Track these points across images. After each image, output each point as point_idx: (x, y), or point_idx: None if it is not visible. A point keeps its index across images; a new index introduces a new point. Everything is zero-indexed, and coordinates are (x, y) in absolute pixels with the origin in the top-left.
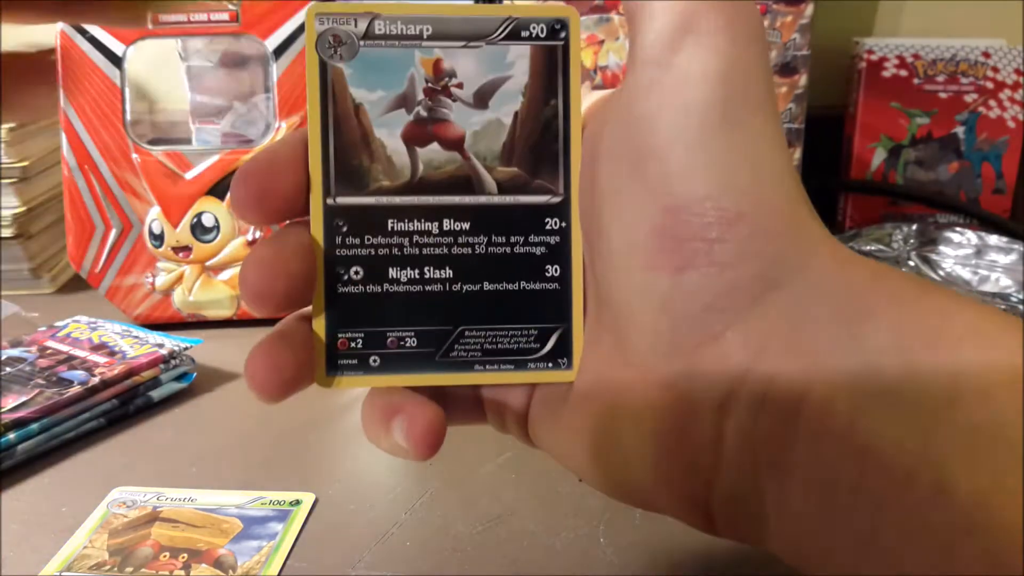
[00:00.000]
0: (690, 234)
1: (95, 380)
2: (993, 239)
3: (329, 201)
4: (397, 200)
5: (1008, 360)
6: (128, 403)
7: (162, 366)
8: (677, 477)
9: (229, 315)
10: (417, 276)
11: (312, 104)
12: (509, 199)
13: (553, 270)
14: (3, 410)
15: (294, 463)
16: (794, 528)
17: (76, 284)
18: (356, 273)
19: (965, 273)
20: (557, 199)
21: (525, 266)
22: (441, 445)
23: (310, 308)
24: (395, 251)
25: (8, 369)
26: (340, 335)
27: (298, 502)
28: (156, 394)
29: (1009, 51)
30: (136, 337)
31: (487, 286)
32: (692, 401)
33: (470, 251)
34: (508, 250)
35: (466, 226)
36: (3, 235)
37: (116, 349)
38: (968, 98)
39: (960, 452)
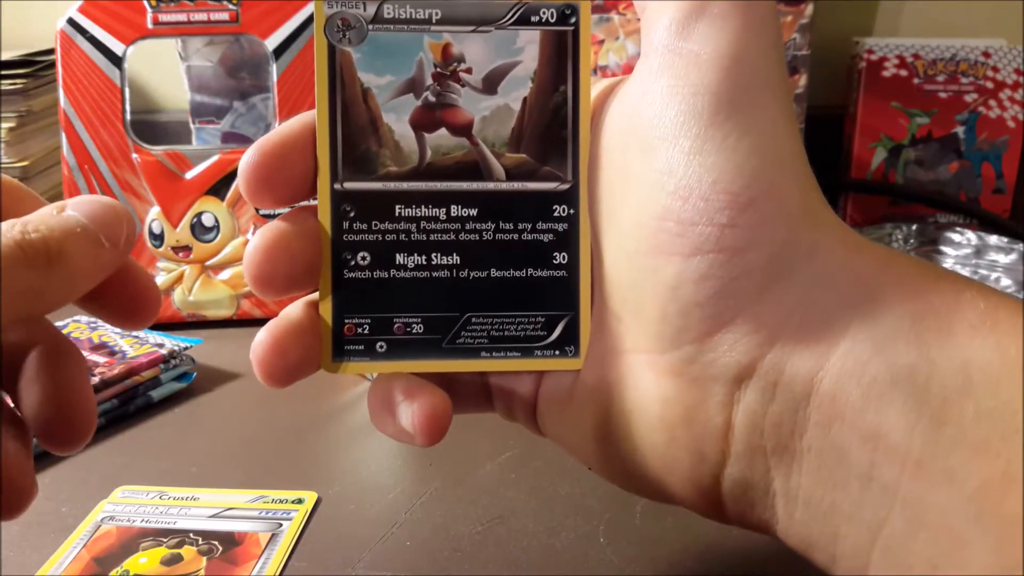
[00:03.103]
0: (700, 219)
1: (95, 380)
2: (993, 239)
3: (336, 186)
4: (405, 186)
5: (1019, 349)
6: (128, 403)
7: (162, 366)
8: (685, 465)
9: (229, 315)
10: (424, 262)
11: (320, 88)
12: (517, 185)
13: (561, 257)
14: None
15: (294, 463)
16: (803, 515)
17: None
18: (363, 258)
19: (965, 273)
20: (565, 186)
21: (532, 253)
22: (446, 432)
23: (316, 294)
24: (402, 237)
25: None
26: (347, 320)
27: (301, 500)
28: (156, 394)
29: (1009, 51)
30: (136, 337)
31: (494, 273)
32: (701, 388)
33: (477, 237)
34: (516, 237)
35: (474, 212)
36: None
37: (116, 349)
38: (968, 98)
39: (970, 441)
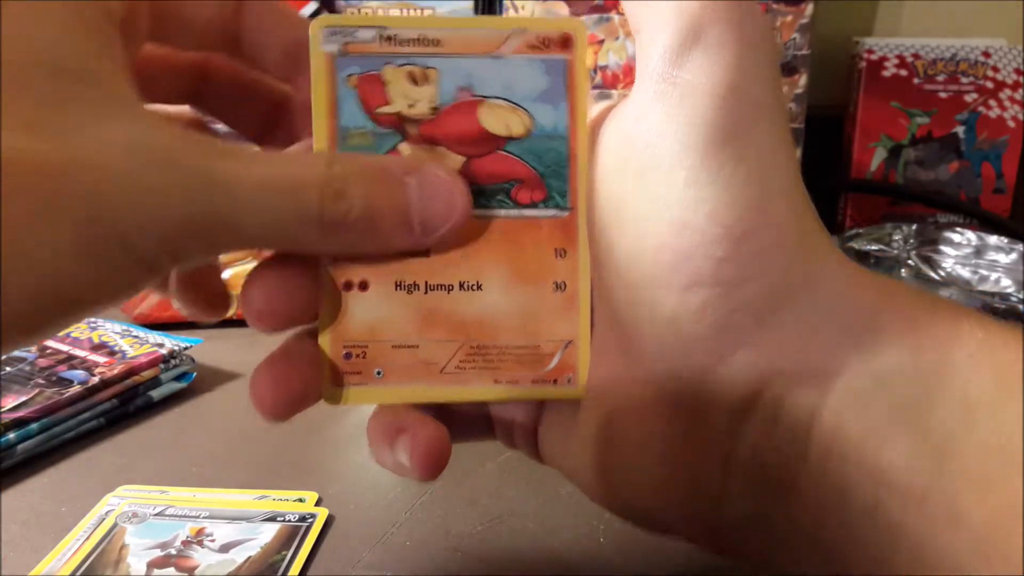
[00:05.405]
0: (696, 252)
1: (95, 380)
2: (993, 239)
3: None
4: None
5: (1018, 379)
6: (128, 403)
7: (162, 366)
8: (685, 499)
9: (229, 315)
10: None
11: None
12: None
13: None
14: (3, 410)
15: (294, 463)
16: (807, 550)
17: None
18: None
19: (965, 273)
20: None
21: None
22: (444, 466)
23: (315, 324)
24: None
25: (8, 369)
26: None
27: (302, 500)
28: (156, 394)
29: (1009, 51)
30: (136, 337)
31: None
32: (701, 422)
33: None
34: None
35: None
36: None
37: (116, 349)
38: (968, 98)
39: (974, 475)
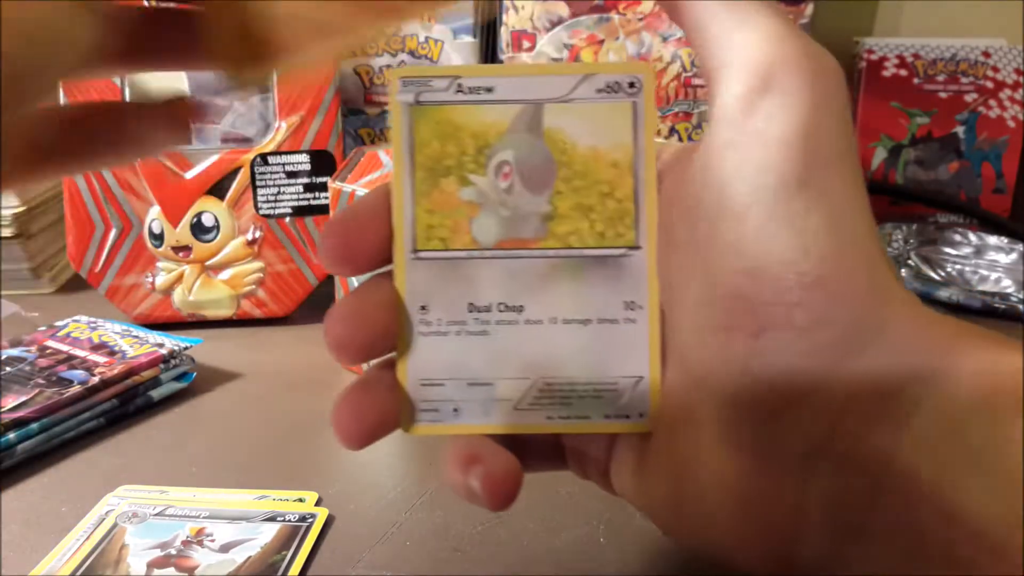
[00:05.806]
0: (768, 298)
1: (95, 380)
2: (993, 239)
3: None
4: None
5: None
6: (128, 403)
7: (162, 366)
8: (760, 538)
9: (229, 315)
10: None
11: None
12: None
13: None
14: (3, 410)
15: (294, 463)
16: None
17: (76, 284)
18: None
19: (965, 273)
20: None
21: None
22: (516, 496)
23: (393, 355)
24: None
25: (8, 369)
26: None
27: (302, 500)
28: (156, 394)
29: (1009, 51)
30: (136, 337)
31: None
32: (774, 464)
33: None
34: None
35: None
36: (3, 235)
37: (116, 349)
38: (968, 98)
39: None
